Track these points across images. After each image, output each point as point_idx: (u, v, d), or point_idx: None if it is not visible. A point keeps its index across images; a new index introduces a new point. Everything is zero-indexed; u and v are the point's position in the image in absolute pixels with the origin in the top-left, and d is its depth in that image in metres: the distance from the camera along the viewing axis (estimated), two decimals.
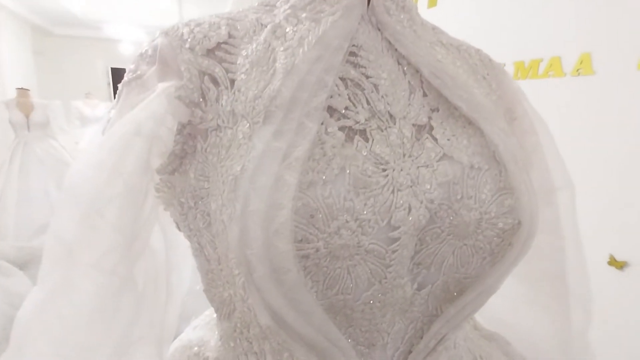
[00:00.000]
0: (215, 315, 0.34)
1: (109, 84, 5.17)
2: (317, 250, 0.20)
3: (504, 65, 1.03)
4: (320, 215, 0.20)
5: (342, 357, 0.25)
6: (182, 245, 0.32)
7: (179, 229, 0.29)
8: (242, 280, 0.22)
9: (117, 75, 5.13)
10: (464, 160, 0.24)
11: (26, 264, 2.22)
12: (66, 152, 2.88)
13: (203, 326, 0.36)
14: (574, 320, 0.41)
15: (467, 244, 0.24)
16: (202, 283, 0.30)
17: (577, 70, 0.85)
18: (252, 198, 0.20)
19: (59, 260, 0.24)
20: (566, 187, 0.36)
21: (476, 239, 0.24)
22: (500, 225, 0.24)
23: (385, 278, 0.23)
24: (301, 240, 0.20)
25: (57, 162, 2.77)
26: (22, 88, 2.69)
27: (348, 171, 0.21)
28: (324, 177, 0.21)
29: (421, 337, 0.27)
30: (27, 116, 2.74)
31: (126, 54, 4.86)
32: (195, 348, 0.33)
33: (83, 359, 0.26)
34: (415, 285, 0.25)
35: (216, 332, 0.32)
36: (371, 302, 0.24)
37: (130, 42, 4.89)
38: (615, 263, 0.79)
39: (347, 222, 0.21)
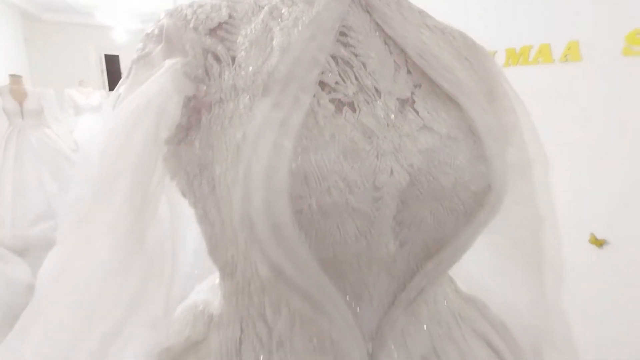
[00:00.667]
0: (217, 280, 0.37)
1: (102, 71, 5.11)
2: (310, 206, 0.23)
3: (496, 52, 1.05)
4: (313, 176, 0.23)
5: (333, 307, 0.28)
6: (186, 215, 0.35)
7: (185, 197, 0.32)
8: (244, 237, 0.24)
9: (111, 62, 5.07)
10: (442, 131, 0.27)
11: (24, 251, 2.24)
12: (61, 141, 2.87)
13: (207, 290, 0.39)
14: (548, 286, 0.45)
15: (443, 205, 0.27)
16: (207, 247, 0.33)
17: (565, 56, 0.88)
18: (253, 162, 0.22)
19: (76, 222, 0.27)
20: (541, 162, 0.39)
21: (451, 201, 0.27)
22: (473, 188, 0.27)
23: (370, 234, 0.26)
24: (296, 197, 0.23)
25: (52, 151, 2.76)
26: (14, 75, 2.66)
27: (337, 138, 0.24)
28: (316, 144, 0.23)
29: (403, 291, 0.30)
30: (20, 104, 2.72)
31: (119, 41, 4.79)
32: (200, 307, 0.36)
33: (97, 318, 0.29)
34: (398, 243, 0.28)
35: (219, 293, 0.35)
36: (358, 256, 0.27)
37: (123, 29, 4.82)
38: (596, 241, 0.83)
39: (336, 182, 0.23)
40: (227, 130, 0.25)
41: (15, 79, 2.67)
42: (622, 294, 0.80)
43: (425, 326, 0.33)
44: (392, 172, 0.25)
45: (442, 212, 0.27)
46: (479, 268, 0.49)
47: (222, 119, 0.25)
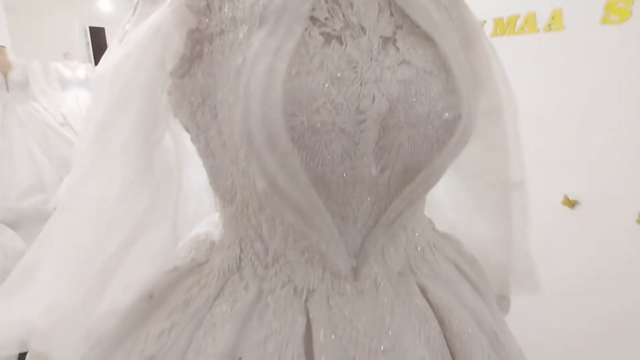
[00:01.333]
0: (216, 215, 0.41)
1: (87, 44, 4.95)
2: (302, 123, 0.27)
3: (485, 22, 1.08)
4: (304, 97, 0.26)
5: (322, 223, 0.32)
6: (189, 150, 0.38)
7: (188, 132, 0.35)
8: (244, 151, 0.28)
9: (96, 35, 4.90)
10: (419, 66, 0.30)
11: (16, 223, 2.25)
12: (49, 115, 2.83)
13: (208, 224, 0.43)
14: (515, 227, 0.50)
15: (419, 132, 0.31)
16: (209, 178, 0.36)
17: (549, 25, 0.91)
18: (252, 82, 0.26)
19: (91, 142, 0.30)
20: (511, 109, 0.43)
21: (426, 128, 0.31)
22: (445, 117, 0.31)
23: (355, 155, 0.29)
24: (289, 114, 0.26)
25: (41, 124, 2.72)
26: None
27: (326, 65, 0.27)
28: (307, 69, 0.27)
29: (384, 214, 0.34)
30: (5, 75, 2.65)
31: (105, 11, 4.62)
32: (203, 236, 0.40)
33: (112, 230, 0.33)
34: (379, 168, 0.32)
35: (219, 223, 0.39)
36: (344, 175, 0.30)
37: None
38: (568, 202, 0.89)
39: (324, 104, 0.27)
40: (228, 58, 0.28)
41: None
42: (591, 249, 0.87)
43: (403, 249, 0.37)
44: (373, 98, 0.28)
45: (418, 138, 0.31)
46: (456, 211, 0.53)
47: (223, 49, 0.28)
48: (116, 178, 0.30)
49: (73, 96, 3.69)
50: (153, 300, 0.35)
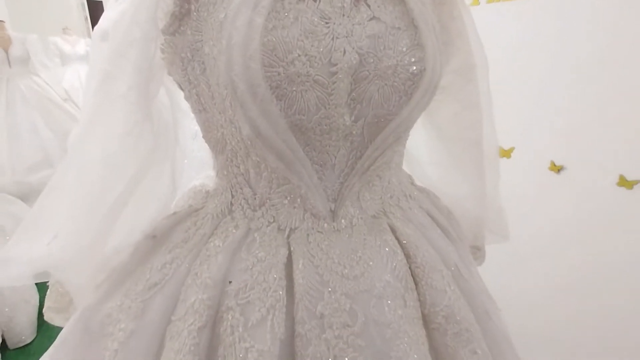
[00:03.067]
0: (211, 171, 0.45)
1: (86, 18, 4.87)
2: (279, 74, 0.30)
3: None
4: (280, 49, 0.30)
5: (302, 168, 0.36)
6: (184, 108, 0.42)
7: (181, 89, 0.39)
8: (229, 100, 0.32)
9: (95, 9, 4.81)
10: (388, 22, 0.33)
11: (26, 197, 2.31)
12: (51, 90, 2.85)
13: (203, 178, 0.47)
14: (488, 180, 0.54)
15: (387, 84, 0.34)
16: (201, 132, 0.40)
17: None
18: (233, 35, 0.29)
19: (96, 89, 0.34)
20: (482, 65, 0.45)
21: (394, 81, 0.34)
22: (411, 70, 0.34)
23: (329, 104, 0.33)
24: (267, 65, 0.30)
25: (44, 99, 2.74)
26: None
27: (300, 20, 0.30)
28: (282, 23, 0.30)
29: (359, 161, 0.38)
30: (5, 50, 2.65)
31: None
32: (199, 187, 0.44)
33: (116, 174, 0.37)
34: (353, 118, 0.35)
35: (213, 174, 0.43)
36: (320, 124, 0.34)
37: None
38: (554, 167, 0.92)
39: (299, 55, 0.30)
40: (212, 14, 0.31)
41: None
42: (575, 211, 0.91)
43: (378, 196, 0.41)
44: (344, 52, 0.32)
45: (387, 90, 0.34)
46: (436, 169, 0.57)
47: (207, 6, 0.31)
48: (118, 125, 0.34)
49: (74, 72, 3.68)
50: (156, 240, 0.40)
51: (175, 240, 0.39)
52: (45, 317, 0.44)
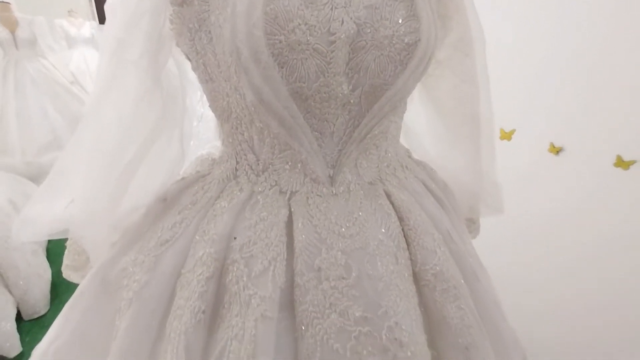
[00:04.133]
0: (217, 142, 0.47)
1: (90, 0, 4.85)
2: (280, 42, 0.32)
3: None
4: (282, 18, 0.32)
5: (302, 134, 0.38)
6: (191, 78, 0.44)
7: (189, 59, 0.41)
8: (234, 68, 0.34)
9: None
10: None
11: (36, 177, 2.36)
12: (59, 73, 2.87)
13: (209, 148, 0.50)
14: (484, 154, 0.55)
15: (383, 54, 0.36)
16: (208, 101, 0.42)
17: None
18: (237, 3, 0.31)
19: (110, 56, 0.36)
20: (480, 39, 0.47)
21: (390, 51, 0.36)
22: (406, 40, 0.35)
23: (328, 73, 0.35)
24: (269, 33, 0.32)
25: (51, 82, 2.77)
26: (2, 1, 2.58)
27: None
28: None
29: (356, 129, 0.40)
30: (12, 32, 2.67)
31: None
32: (206, 155, 0.47)
33: (129, 137, 0.40)
34: (351, 87, 0.37)
35: (219, 142, 0.46)
36: (319, 92, 0.36)
37: None
38: (553, 149, 0.93)
39: (299, 25, 0.32)
40: None
41: (3, 5, 2.59)
42: (574, 192, 0.92)
43: (375, 164, 0.44)
44: (343, 22, 0.33)
45: (383, 60, 0.36)
46: (434, 144, 0.59)
47: None
48: (131, 90, 0.37)
49: (80, 55, 3.68)
50: (166, 202, 0.43)
51: (184, 202, 0.42)
52: (64, 275, 0.48)
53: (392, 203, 0.42)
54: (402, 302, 0.36)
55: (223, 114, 0.41)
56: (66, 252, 0.47)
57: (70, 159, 0.42)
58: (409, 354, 0.33)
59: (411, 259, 0.40)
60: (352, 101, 0.38)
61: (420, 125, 0.58)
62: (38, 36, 2.74)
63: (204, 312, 0.34)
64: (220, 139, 0.45)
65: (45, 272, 1.47)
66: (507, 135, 1.07)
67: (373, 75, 0.37)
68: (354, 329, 0.34)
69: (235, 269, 0.35)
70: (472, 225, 0.63)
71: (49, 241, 1.84)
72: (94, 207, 0.41)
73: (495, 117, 1.06)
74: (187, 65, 0.42)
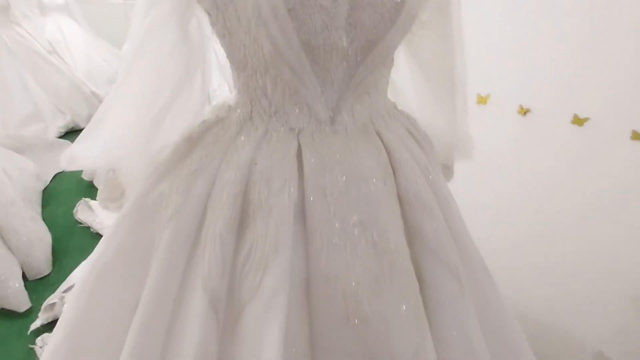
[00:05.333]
0: (232, 93, 0.55)
1: None
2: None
3: None
4: None
5: (309, 81, 0.46)
6: (208, 34, 0.51)
7: (210, 15, 0.47)
8: (254, 22, 0.41)
9: None
10: None
11: (20, 151, 2.33)
12: (35, 41, 2.77)
13: (224, 98, 0.57)
14: (458, 108, 0.65)
15: (377, 12, 0.43)
16: (225, 53, 0.49)
17: None
18: None
19: (143, 13, 0.43)
20: (455, 2, 0.55)
21: (382, 9, 0.43)
22: (395, 0, 0.43)
23: (331, 27, 0.42)
24: None
25: (29, 51, 2.68)
26: None
27: None
28: None
29: (352, 78, 0.48)
30: None
31: None
32: (222, 103, 0.55)
33: (164, 84, 0.47)
34: (349, 40, 0.45)
35: (234, 93, 0.53)
36: (324, 44, 0.44)
37: None
38: (522, 110, 1.04)
39: None
40: None
41: None
42: (540, 149, 1.04)
43: (367, 110, 0.52)
44: None
45: (376, 17, 0.44)
46: (417, 100, 0.68)
47: None
48: (164, 43, 0.43)
49: (53, 23, 3.53)
50: (192, 141, 0.51)
51: (207, 140, 0.50)
52: (101, 206, 0.56)
53: (381, 140, 0.51)
54: (388, 213, 0.46)
55: (240, 64, 0.48)
56: (102, 187, 0.55)
57: (112, 103, 0.49)
58: (393, 247, 0.44)
59: (396, 184, 0.49)
60: (349, 53, 0.46)
61: (407, 85, 0.66)
62: (11, 2, 2.62)
63: (234, 219, 0.43)
64: (236, 88, 0.52)
65: (45, 236, 1.53)
66: (482, 100, 1.18)
67: (367, 31, 0.45)
68: (352, 231, 0.43)
69: (257, 187, 0.44)
70: (447, 170, 0.73)
71: (44, 210, 1.87)
72: (132, 144, 0.49)
73: (473, 83, 1.16)
74: (207, 22, 0.49)
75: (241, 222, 0.44)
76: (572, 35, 0.89)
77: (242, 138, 0.48)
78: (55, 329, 0.53)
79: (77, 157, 0.49)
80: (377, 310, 0.42)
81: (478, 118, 1.16)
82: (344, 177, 0.45)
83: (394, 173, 0.50)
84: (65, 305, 1.23)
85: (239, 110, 0.51)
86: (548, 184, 1.03)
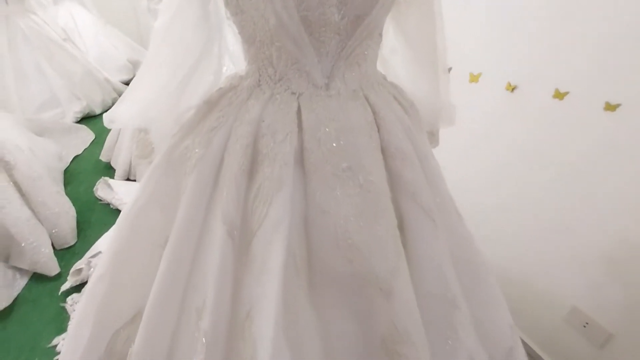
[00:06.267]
0: (243, 67, 0.64)
1: None
2: None
3: None
4: None
5: (307, 51, 0.55)
6: (223, 15, 0.60)
7: None
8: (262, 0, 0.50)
9: None
10: None
11: (40, 134, 2.46)
12: (50, 29, 2.87)
13: (235, 70, 0.67)
14: (440, 79, 0.74)
15: None
16: (238, 30, 0.59)
17: None
18: None
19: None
20: None
21: None
22: None
23: (325, 4, 0.51)
24: None
25: (44, 38, 2.78)
26: None
27: None
28: None
29: (343, 50, 0.57)
30: None
31: None
32: (233, 74, 0.64)
33: (187, 54, 0.57)
34: (340, 16, 0.54)
35: (245, 64, 0.63)
36: (319, 19, 0.52)
37: None
38: (509, 87, 1.12)
39: None
40: None
41: None
42: (527, 125, 1.12)
43: (357, 78, 0.61)
44: None
45: None
46: (405, 71, 0.77)
47: None
48: (190, 17, 0.53)
49: (66, 11, 3.63)
50: (209, 104, 0.60)
51: (223, 104, 0.60)
52: (134, 163, 0.67)
53: (368, 103, 0.60)
54: (372, 162, 0.55)
55: (250, 38, 0.58)
56: (136, 145, 0.65)
57: (145, 71, 0.59)
58: (375, 188, 0.53)
59: (380, 138, 0.59)
60: (341, 27, 0.55)
61: (395, 57, 0.75)
62: None
63: (246, 165, 0.53)
64: (246, 60, 0.62)
65: (70, 209, 1.66)
66: (475, 78, 1.25)
67: (356, 7, 0.53)
68: (341, 174, 0.53)
69: (264, 139, 0.54)
70: (432, 137, 0.83)
71: (66, 189, 2.00)
72: (161, 107, 0.59)
73: (467, 64, 1.24)
74: (221, 2, 0.58)
75: (252, 167, 0.54)
76: (549, 16, 0.96)
77: (252, 101, 0.57)
78: (99, 262, 0.64)
79: (116, 118, 0.59)
80: (361, 238, 0.52)
81: (471, 95, 1.25)
82: (336, 131, 0.55)
83: (379, 129, 0.59)
84: (93, 264, 1.36)
85: (249, 79, 0.60)
86: (531, 153, 1.11)
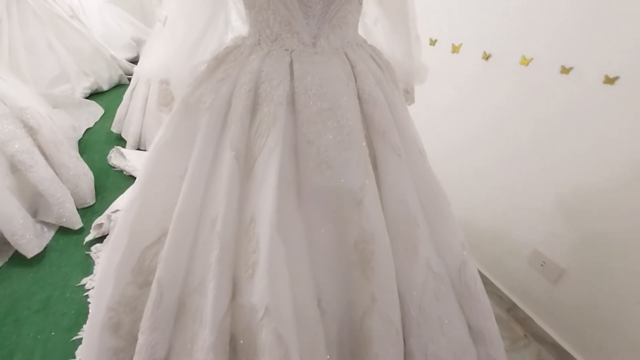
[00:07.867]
0: (243, 33, 0.78)
1: None
2: None
3: None
4: None
5: (297, 15, 0.68)
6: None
7: None
8: None
9: None
10: None
11: (54, 107, 2.59)
12: (57, 6, 2.97)
13: (238, 33, 0.80)
14: (412, 42, 0.87)
15: None
16: (243, 3, 0.72)
17: None
18: None
19: None
20: None
21: None
22: None
23: None
24: None
25: (53, 15, 2.89)
26: None
27: None
28: None
29: (327, 14, 0.70)
30: None
31: None
32: (238, 35, 0.78)
33: (198, 19, 0.71)
34: None
35: (247, 27, 0.76)
36: None
37: None
38: (485, 56, 1.25)
39: None
40: None
41: None
42: (500, 91, 1.25)
43: (340, 39, 0.74)
44: None
45: None
46: (383, 36, 0.90)
47: None
48: None
49: None
50: (218, 60, 0.74)
51: (229, 60, 0.74)
52: (156, 110, 0.81)
53: (348, 58, 0.74)
54: (349, 104, 0.70)
55: (250, 3, 0.71)
56: (158, 93, 0.79)
57: (164, 32, 0.73)
58: (351, 124, 0.68)
59: (357, 87, 0.73)
60: None
61: (378, 29, 0.88)
62: None
63: (249, 105, 0.68)
64: (247, 23, 0.76)
65: (88, 172, 1.81)
66: (456, 49, 1.38)
67: None
68: (324, 113, 0.68)
69: (263, 85, 0.68)
70: (407, 95, 0.96)
71: (81, 156, 2.16)
72: (178, 60, 0.73)
73: (449, 35, 1.36)
74: None
75: (253, 107, 0.69)
76: None
77: (253, 56, 0.71)
78: (130, 190, 0.80)
79: (144, 69, 0.73)
80: (337, 161, 0.67)
81: (452, 64, 1.37)
82: (320, 80, 0.69)
83: (355, 80, 0.73)
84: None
85: (250, 40, 0.74)
86: (501, 115, 1.25)
